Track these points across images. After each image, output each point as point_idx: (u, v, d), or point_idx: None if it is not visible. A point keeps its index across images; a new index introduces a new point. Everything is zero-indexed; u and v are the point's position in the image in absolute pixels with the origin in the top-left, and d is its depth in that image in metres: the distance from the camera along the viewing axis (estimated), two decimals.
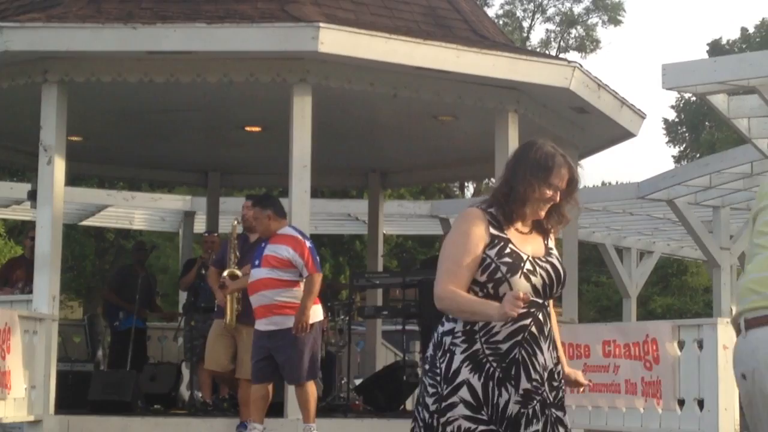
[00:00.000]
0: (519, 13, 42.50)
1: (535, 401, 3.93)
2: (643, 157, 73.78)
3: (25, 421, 8.52)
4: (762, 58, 9.32)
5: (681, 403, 8.32)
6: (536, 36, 65.88)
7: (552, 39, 42.41)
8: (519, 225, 4.04)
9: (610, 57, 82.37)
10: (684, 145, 44.16)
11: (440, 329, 4.01)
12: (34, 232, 9.72)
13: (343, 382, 10.99)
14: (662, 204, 14.71)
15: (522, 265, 3.94)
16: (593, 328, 10.20)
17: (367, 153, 12.75)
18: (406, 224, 19.11)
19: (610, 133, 11.32)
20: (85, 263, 29.87)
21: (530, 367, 3.92)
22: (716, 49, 41.38)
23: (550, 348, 3.99)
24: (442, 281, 3.94)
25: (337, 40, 8.74)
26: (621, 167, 64.92)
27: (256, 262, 8.11)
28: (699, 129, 42.01)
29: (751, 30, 42.25)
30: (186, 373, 10.84)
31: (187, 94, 9.86)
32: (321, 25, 8.68)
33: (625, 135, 11.34)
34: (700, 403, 8.18)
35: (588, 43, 42.24)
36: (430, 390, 3.95)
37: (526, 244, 4.03)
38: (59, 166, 9.02)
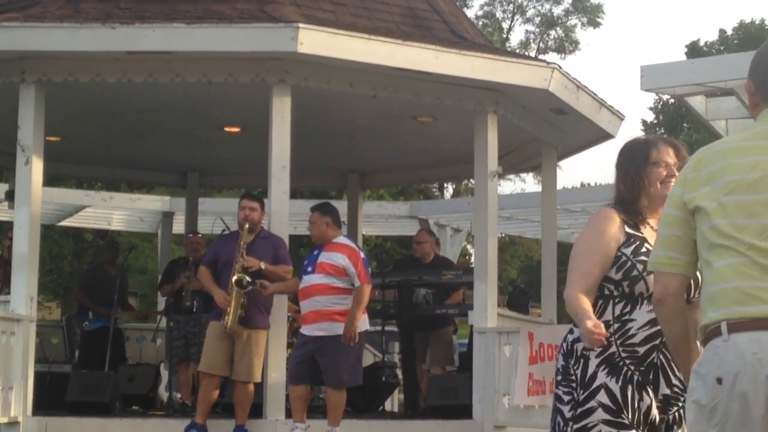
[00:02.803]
0: (498, 14, 42.64)
1: (677, 407, 3.84)
2: None
3: (2, 422, 8.47)
4: (740, 59, 9.34)
5: None
6: (516, 37, 65.92)
7: (531, 40, 42.56)
8: (652, 221, 4.00)
9: (590, 58, 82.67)
10: None
11: (569, 337, 3.94)
12: (12, 232, 9.66)
13: None
14: None
15: None
16: None
17: (347, 154, 12.73)
18: (386, 225, 19.09)
19: (589, 134, 11.34)
20: (63, 264, 29.75)
21: (669, 372, 3.82)
22: (694, 50, 41.61)
23: None
24: (573, 283, 3.89)
25: (316, 41, 8.72)
26: (600, 168, 65.20)
27: (309, 269, 8.37)
28: (677, 130, 42.20)
29: (729, 32, 42.54)
30: (164, 374, 10.78)
31: (165, 94, 9.83)
32: (300, 25, 8.66)
33: (604, 136, 11.36)
34: None
35: (567, 45, 42.40)
36: (566, 398, 3.86)
37: None
38: (37, 167, 8.97)
